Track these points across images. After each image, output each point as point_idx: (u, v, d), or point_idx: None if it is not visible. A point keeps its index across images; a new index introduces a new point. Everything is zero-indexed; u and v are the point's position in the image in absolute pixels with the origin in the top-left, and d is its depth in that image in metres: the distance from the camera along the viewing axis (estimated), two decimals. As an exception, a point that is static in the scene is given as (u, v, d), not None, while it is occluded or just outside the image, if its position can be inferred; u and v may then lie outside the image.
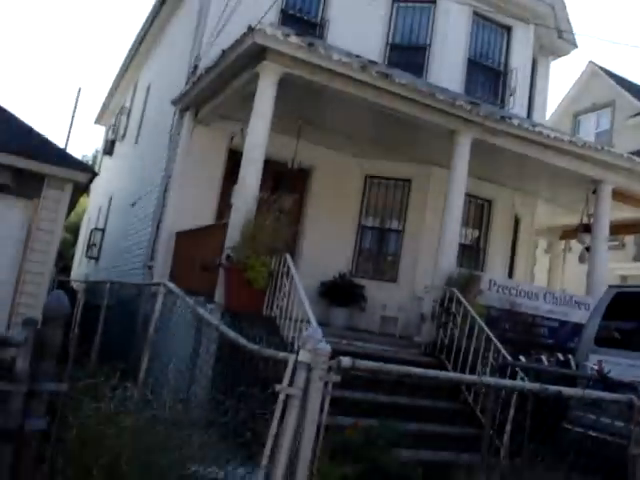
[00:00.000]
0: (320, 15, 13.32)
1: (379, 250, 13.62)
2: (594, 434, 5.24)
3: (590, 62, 27.58)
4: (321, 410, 2.47)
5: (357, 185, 13.40)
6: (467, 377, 3.80)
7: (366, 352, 8.38)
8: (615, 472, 3.76)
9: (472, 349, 8.58)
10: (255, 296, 8.22)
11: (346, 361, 2.53)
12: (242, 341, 3.83)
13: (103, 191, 20.35)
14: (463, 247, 12.82)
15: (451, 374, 4.53)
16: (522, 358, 7.92)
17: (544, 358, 8.44)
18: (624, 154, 12.51)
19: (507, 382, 2.87)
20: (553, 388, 3.02)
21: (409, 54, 13.66)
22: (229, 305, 8.25)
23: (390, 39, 13.66)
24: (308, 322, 6.82)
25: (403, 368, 2.68)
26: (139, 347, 6.71)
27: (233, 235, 8.54)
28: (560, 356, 8.36)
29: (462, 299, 9.39)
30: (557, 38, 15.70)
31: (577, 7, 77.92)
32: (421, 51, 13.55)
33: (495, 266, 13.90)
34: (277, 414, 2.60)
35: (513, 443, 5.53)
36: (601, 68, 27.43)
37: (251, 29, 8.79)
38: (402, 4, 13.75)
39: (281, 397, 2.56)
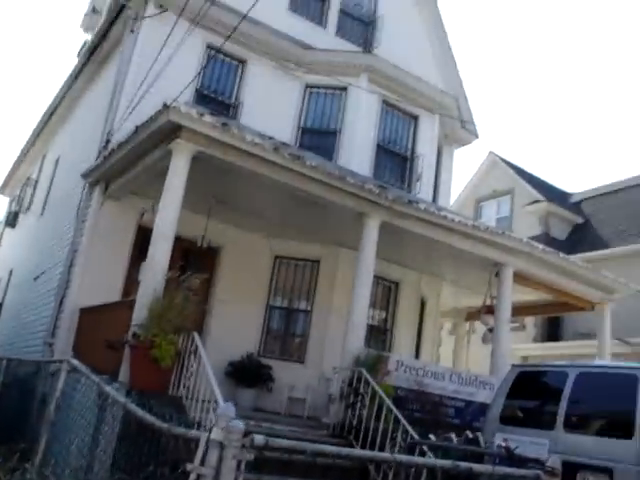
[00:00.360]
0: (234, 96, 13.59)
1: (287, 330, 13.59)
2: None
3: (490, 152, 29.04)
4: (235, 487, 2.41)
5: (266, 265, 13.44)
6: (380, 455, 3.79)
7: (275, 433, 8.22)
8: None
9: (380, 430, 8.56)
10: (161, 375, 8.01)
11: (259, 439, 2.47)
12: (150, 419, 3.70)
13: (3, 264, 19.63)
14: (371, 328, 12.95)
15: (364, 452, 4.50)
16: (432, 437, 7.96)
17: (453, 436, 8.51)
18: (524, 239, 13.07)
19: (420, 459, 2.89)
20: (464, 465, 3.06)
21: (320, 138, 14.06)
22: (134, 384, 7.99)
23: (302, 123, 14.09)
24: (215, 402, 6.68)
25: (317, 446, 2.66)
26: (38, 427, 6.37)
27: (140, 312, 8.35)
28: (469, 434, 8.45)
29: (370, 380, 9.40)
30: (460, 128, 16.54)
31: (479, 101, 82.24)
32: (332, 135, 13.99)
33: (402, 347, 14.06)
34: (187, 495, 2.52)
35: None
36: (501, 158, 28.91)
37: (166, 106, 8.86)
38: (314, 89, 14.26)
39: (192, 477, 2.48)
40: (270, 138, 10.01)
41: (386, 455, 3.34)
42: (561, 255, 13.65)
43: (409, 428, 8.33)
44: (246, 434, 2.52)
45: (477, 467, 3.26)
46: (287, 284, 13.55)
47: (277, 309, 13.55)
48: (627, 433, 6.92)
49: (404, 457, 3.33)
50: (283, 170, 9.96)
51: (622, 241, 24.17)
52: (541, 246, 13.26)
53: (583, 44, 78.76)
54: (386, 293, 14.34)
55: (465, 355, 18.29)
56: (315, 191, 10.38)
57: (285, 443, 2.60)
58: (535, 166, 77.83)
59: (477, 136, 17.23)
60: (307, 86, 14.24)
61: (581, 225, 27.11)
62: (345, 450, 2.70)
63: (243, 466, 2.43)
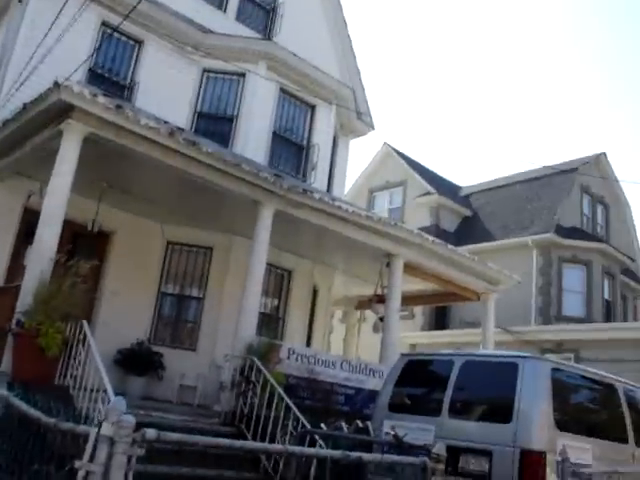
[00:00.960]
0: (130, 77, 13.22)
1: (179, 317, 13.41)
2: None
3: (385, 144, 29.53)
4: (125, 482, 2.36)
5: (159, 251, 13.19)
6: (273, 447, 3.81)
7: (166, 423, 8.13)
8: None
9: (272, 418, 8.61)
10: (48, 365, 7.74)
11: (150, 433, 2.43)
12: (35, 414, 3.56)
13: None
14: (263, 316, 12.99)
15: (257, 444, 4.50)
16: (323, 426, 8.05)
17: (344, 425, 8.64)
18: (415, 230, 13.41)
19: (312, 450, 2.93)
20: (354, 454, 3.12)
21: (216, 123, 13.91)
22: (18, 375, 7.66)
23: (199, 107, 13.87)
24: (105, 392, 6.53)
25: (210, 440, 2.63)
26: None
27: (26, 299, 8.02)
28: (359, 423, 8.60)
29: (262, 368, 9.43)
30: (356, 119, 16.74)
31: (376, 93, 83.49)
32: (228, 121, 13.86)
33: (294, 335, 14.14)
34: (75, 493, 2.44)
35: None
36: (395, 150, 29.47)
37: (57, 85, 8.50)
38: (212, 74, 14.07)
39: (80, 474, 2.41)
40: (165, 122, 9.82)
41: (278, 447, 3.36)
42: (450, 247, 14.09)
43: (300, 416, 8.42)
44: (137, 428, 2.48)
45: (366, 456, 3.34)
46: (179, 271, 13.36)
47: (169, 296, 13.34)
48: (506, 418, 7.21)
49: (296, 448, 3.36)
50: (178, 155, 9.79)
51: (506, 234, 25.25)
52: (431, 238, 13.64)
53: (477, 40, 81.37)
54: (279, 281, 14.38)
55: (356, 343, 18.60)
56: (210, 178, 10.27)
57: (176, 437, 2.56)
58: (428, 159, 79.92)
59: (373, 127, 17.50)
60: (205, 70, 14.02)
61: (470, 218, 28.09)
62: (238, 443, 2.69)
63: (134, 461, 2.39)
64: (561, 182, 25.98)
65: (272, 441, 8.38)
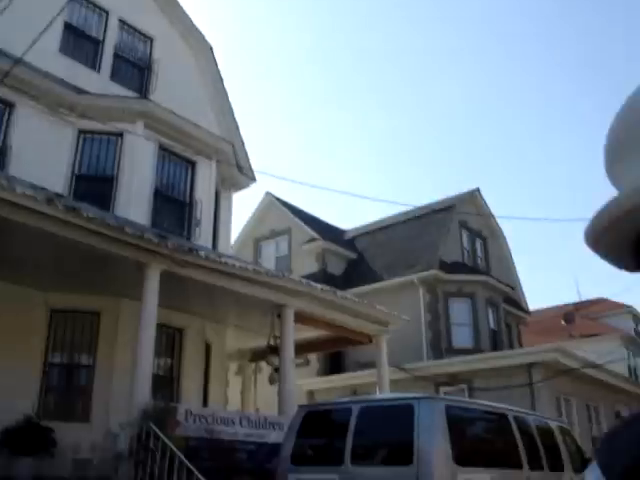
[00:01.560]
0: (1, 142, 12.81)
1: (69, 388, 12.86)
2: None
3: (267, 193, 29.84)
4: None
5: (42, 319, 12.63)
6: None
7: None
8: None
9: (174, 486, 8.40)
10: None
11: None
12: None
13: None
14: (157, 378, 12.66)
15: None
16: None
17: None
18: (303, 280, 13.55)
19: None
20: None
21: (96, 185, 13.66)
22: None
23: (77, 169, 13.58)
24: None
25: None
26: None
27: None
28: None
29: (159, 433, 9.21)
30: (237, 173, 16.86)
31: (256, 143, 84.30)
32: (108, 182, 13.63)
33: (190, 394, 13.89)
34: None
35: None
36: (277, 199, 29.79)
37: None
38: (89, 135, 13.83)
39: None
40: (42, 189, 9.57)
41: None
42: (339, 294, 14.33)
43: (202, 479, 8.26)
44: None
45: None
46: (66, 339, 12.85)
47: (56, 366, 12.80)
48: (407, 460, 7.37)
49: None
50: (58, 222, 9.54)
51: (392, 274, 25.88)
52: (320, 286, 13.83)
53: (346, 84, 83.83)
54: (170, 341, 14.12)
55: (253, 395, 18.43)
56: (93, 242, 10.04)
57: None
58: (311, 206, 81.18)
59: (254, 180, 17.67)
60: (81, 132, 13.76)
61: (355, 260, 28.63)
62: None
63: None
64: (440, 220, 26.99)
65: (176, 509, 8.18)
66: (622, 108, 0.76)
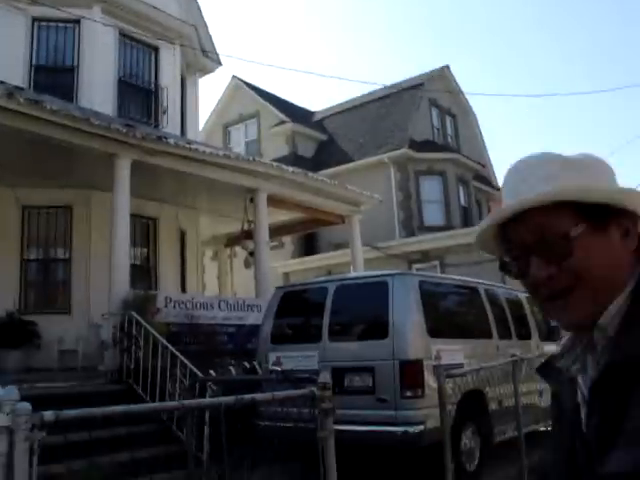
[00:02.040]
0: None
1: (47, 282, 12.99)
2: (283, 424, 5.65)
3: (233, 76, 29.17)
4: (30, 466, 2.42)
5: (15, 217, 12.58)
6: (169, 404, 3.90)
7: (52, 392, 8.03)
8: (309, 453, 4.16)
9: (159, 368, 8.66)
10: None
11: (49, 416, 2.47)
12: None
13: None
14: (134, 268, 12.82)
15: (154, 405, 4.56)
16: (212, 372, 8.22)
17: (232, 369, 8.86)
18: (274, 164, 13.53)
19: (206, 401, 3.03)
20: (247, 397, 3.28)
21: (57, 76, 13.27)
22: None
23: (34, 60, 13.07)
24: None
25: (107, 409, 2.70)
26: None
27: None
28: (246, 364, 8.85)
29: (141, 321, 9.41)
30: (202, 57, 16.42)
31: (220, 26, 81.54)
32: (69, 72, 13.24)
33: (168, 282, 14.11)
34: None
35: (215, 452, 5.87)
36: (244, 82, 29.16)
37: None
38: (43, 23, 13.25)
39: (-17, 467, 2.44)
40: (1, 82, 9.29)
41: (174, 404, 3.46)
42: (310, 175, 14.36)
43: (187, 362, 8.52)
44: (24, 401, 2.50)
45: (259, 396, 3.52)
46: (41, 234, 12.87)
47: (33, 262, 12.88)
48: (383, 334, 7.66)
49: (193, 402, 3.49)
50: (21, 116, 9.31)
51: (363, 154, 25.84)
52: (291, 169, 13.83)
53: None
54: (145, 230, 14.19)
55: (230, 280, 18.76)
56: (59, 136, 9.86)
57: (74, 413, 2.60)
58: (279, 88, 79.59)
59: (220, 64, 17.25)
60: (35, 20, 13.16)
61: (326, 142, 28.46)
62: (135, 407, 2.78)
63: (36, 445, 2.44)
64: (410, 98, 26.72)
65: (162, 391, 8.48)
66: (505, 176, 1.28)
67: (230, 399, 3.21)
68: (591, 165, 1.22)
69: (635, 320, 1.09)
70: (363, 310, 8.51)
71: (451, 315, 9.29)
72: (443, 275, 10.68)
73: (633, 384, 1.02)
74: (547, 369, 1.31)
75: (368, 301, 8.30)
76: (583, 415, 1.17)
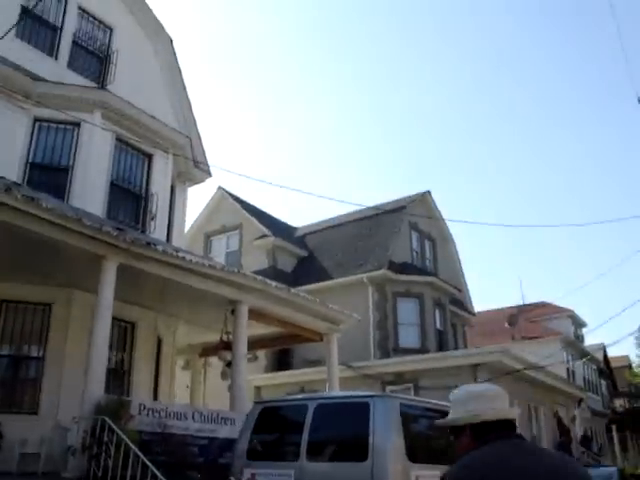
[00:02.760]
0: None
1: (16, 380, 12.56)
2: None
3: (219, 188, 29.72)
4: None
5: (-9, 311, 12.41)
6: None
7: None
8: None
9: (129, 478, 8.37)
10: None
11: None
12: None
13: None
14: (109, 371, 12.55)
15: None
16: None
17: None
18: (258, 277, 13.60)
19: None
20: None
21: (51, 175, 13.41)
22: None
23: (31, 158, 13.27)
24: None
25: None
26: None
27: None
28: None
29: (115, 427, 9.15)
30: (193, 167, 16.79)
31: (211, 139, 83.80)
32: (63, 172, 13.40)
33: (141, 387, 13.82)
34: None
35: None
36: (229, 194, 29.68)
37: None
38: (44, 123, 13.54)
39: None
40: (1, 177, 9.42)
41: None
42: (292, 291, 14.43)
43: (158, 474, 8.26)
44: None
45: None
46: (16, 330, 12.57)
47: (4, 357, 12.53)
48: (362, 456, 7.51)
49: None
50: (15, 212, 9.38)
51: (342, 273, 26.05)
52: (274, 283, 13.90)
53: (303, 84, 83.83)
54: (122, 334, 14.00)
55: (202, 390, 18.41)
56: (50, 234, 9.88)
57: None
58: (263, 203, 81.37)
59: (210, 175, 17.62)
60: (36, 120, 13.44)
61: (306, 258, 28.73)
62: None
63: None
64: (391, 220, 27.29)
65: (130, 503, 8.18)
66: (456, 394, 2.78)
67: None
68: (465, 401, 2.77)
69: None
70: (343, 430, 8.37)
71: (431, 440, 9.14)
72: (422, 399, 10.57)
73: None
74: None
75: (348, 421, 8.18)
76: None
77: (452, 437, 2.70)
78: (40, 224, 9.67)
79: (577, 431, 29.14)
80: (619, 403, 46.10)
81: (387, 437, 7.69)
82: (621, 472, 22.21)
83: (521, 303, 40.72)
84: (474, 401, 2.62)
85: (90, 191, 13.34)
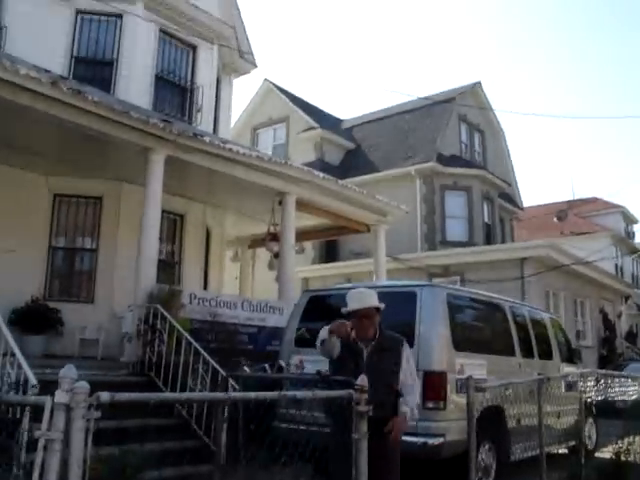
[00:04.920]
0: (-4, 21, 12.42)
1: (73, 271, 13.08)
2: (301, 427, 5.65)
3: (265, 80, 29.27)
4: (85, 445, 2.44)
5: (45, 204, 12.69)
6: (218, 395, 3.92)
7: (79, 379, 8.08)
8: (321, 457, 4.19)
9: (182, 363, 8.68)
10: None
11: (105, 396, 2.50)
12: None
13: None
14: (160, 262, 12.88)
15: (201, 394, 4.56)
16: (246, 369, 8.26)
17: (267, 367, 8.90)
18: (305, 168, 13.54)
19: (252, 394, 3.03)
20: (290, 393, 3.30)
21: (96, 68, 13.36)
22: None
23: (75, 52, 13.20)
24: (12, 355, 6.42)
25: (161, 395, 2.73)
26: None
27: None
28: (282, 363, 8.87)
29: (167, 315, 9.44)
30: (239, 58, 16.52)
31: (257, 29, 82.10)
32: (108, 66, 13.33)
33: (191, 278, 14.17)
34: (38, 461, 2.50)
35: (234, 450, 5.90)
36: (276, 86, 29.27)
37: None
38: (87, 16, 13.37)
39: (41, 443, 2.46)
40: (47, 71, 9.38)
41: (221, 395, 3.48)
42: (339, 182, 14.38)
43: (210, 359, 8.55)
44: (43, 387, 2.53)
45: (301, 394, 3.53)
46: (70, 223, 12.97)
47: (61, 250, 12.96)
48: (409, 344, 7.62)
49: (238, 395, 3.50)
50: (62, 105, 9.36)
51: (390, 165, 25.83)
52: (321, 174, 13.85)
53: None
54: (172, 226, 14.26)
55: (250, 281, 18.80)
56: (97, 127, 9.88)
57: (132, 396, 2.63)
58: (310, 94, 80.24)
59: (255, 66, 17.34)
60: (78, 12, 13.26)
61: (353, 150, 28.48)
62: (185, 395, 2.79)
63: (92, 423, 2.47)
64: (440, 112, 26.71)
65: (183, 386, 8.50)
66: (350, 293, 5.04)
67: (274, 394, 3.23)
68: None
69: (381, 333, 4.83)
70: (390, 319, 8.43)
71: (476, 330, 9.24)
72: (470, 289, 10.60)
73: (381, 351, 4.71)
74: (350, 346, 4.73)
75: (396, 310, 8.18)
76: (365, 357, 4.63)
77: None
78: (87, 117, 9.68)
79: (622, 327, 29.18)
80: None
81: (433, 326, 7.78)
82: (663, 367, 22.31)
83: (571, 199, 40.15)
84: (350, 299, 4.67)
85: (136, 84, 13.28)
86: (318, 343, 4.41)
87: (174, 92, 14.42)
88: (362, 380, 3.78)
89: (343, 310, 4.71)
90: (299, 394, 3.45)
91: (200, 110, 14.56)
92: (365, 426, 3.74)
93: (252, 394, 3.02)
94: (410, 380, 4.76)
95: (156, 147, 10.63)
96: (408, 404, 4.68)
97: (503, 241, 27.69)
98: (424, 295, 7.92)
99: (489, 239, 25.44)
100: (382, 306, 4.78)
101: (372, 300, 4.65)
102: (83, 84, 10.68)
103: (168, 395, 2.52)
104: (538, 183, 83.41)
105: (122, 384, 8.57)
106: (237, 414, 5.99)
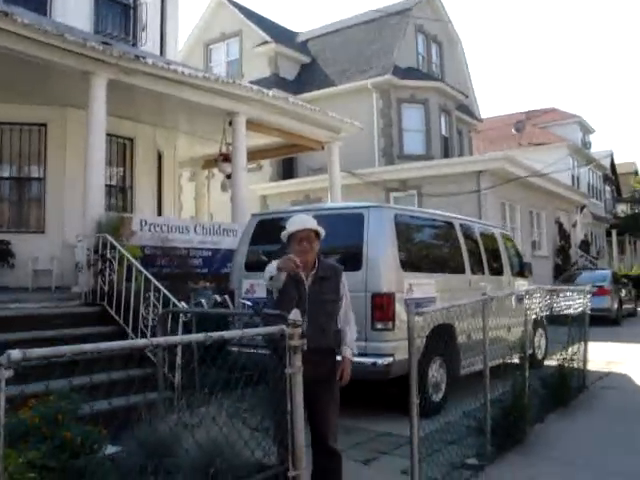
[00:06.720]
0: None
1: (21, 201, 12.75)
2: (249, 350, 5.69)
3: (216, -8, 28.27)
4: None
5: (-13, 133, 12.32)
6: (139, 342, 3.89)
7: (26, 314, 8.06)
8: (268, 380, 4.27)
9: (133, 291, 8.66)
10: None
11: (15, 354, 2.41)
12: None
13: None
14: (110, 188, 12.72)
15: (124, 342, 4.53)
16: (183, 304, 8.26)
17: (204, 302, 8.91)
18: (254, 87, 13.22)
19: (176, 338, 3.02)
20: (216, 335, 3.28)
21: (29, -12, 12.71)
22: None
23: (6, -29, 12.51)
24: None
25: (76, 347, 2.67)
26: None
27: None
28: (217, 298, 8.89)
29: (115, 244, 9.33)
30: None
31: None
32: (43, -15, 12.70)
33: (144, 203, 13.99)
34: None
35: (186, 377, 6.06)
36: (227, -1, 28.30)
37: None
38: None
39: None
40: (-28, -7, 8.90)
41: (144, 341, 3.44)
42: (291, 100, 14.13)
43: (160, 286, 8.50)
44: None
45: (227, 334, 3.53)
46: (14, 151, 12.59)
47: (6, 180, 12.64)
48: (356, 266, 7.66)
49: (162, 339, 3.46)
50: (-10, 30, 8.93)
51: (346, 79, 25.45)
52: (271, 92, 13.58)
53: None
54: (121, 150, 13.96)
55: (207, 202, 18.65)
56: (30, 51, 9.33)
57: (41, 352, 2.55)
58: (263, 7, 77.90)
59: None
60: None
61: (308, 64, 27.95)
62: (103, 345, 2.75)
63: (3, 385, 2.41)
64: (396, 23, 26.19)
65: (136, 314, 8.50)
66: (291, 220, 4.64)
67: (199, 336, 3.21)
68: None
69: (320, 263, 4.54)
70: (338, 241, 8.45)
71: (425, 249, 9.33)
72: (419, 209, 10.68)
73: (322, 280, 4.49)
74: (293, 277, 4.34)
75: (344, 232, 8.22)
76: (307, 287, 4.41)
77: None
78: (18, 41, 9.15)
79: (577, 236, 29.77)
80: (621, 209, 46.78)
81: (381, 247, 7.80)
82: (614, 274, 22.96)
83: (528, 109, 40.13)
84: (289, 224, 4.61)
85: (74, 4, 12.70)
86: (266, 278, 4.34)
87: (116, 11, 13.87)
88: (295, 315, 3.77)
89: (283, 234, 4.54)
90: (226, 334, 3.44)
91: (145, 29, 14.07)
92: (299, 360, 3.74)
93: (176, 338, 3.01)
94: (349, 310, 4.79)
95: (96, 71, 10.22)
96: (349, 337, 4.70)
97: (461, 154, 27.74)
98: (371, 216, 7.92)
99: (447, 152, 25.46)
100: (322, 232, 4.57)
101: (312, 223, 4.51)
102: (16, 6, 10.17)
103: (86, 346, 2.46)
104: (496, 94, 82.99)
105: (74, 315, 8.56)
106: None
